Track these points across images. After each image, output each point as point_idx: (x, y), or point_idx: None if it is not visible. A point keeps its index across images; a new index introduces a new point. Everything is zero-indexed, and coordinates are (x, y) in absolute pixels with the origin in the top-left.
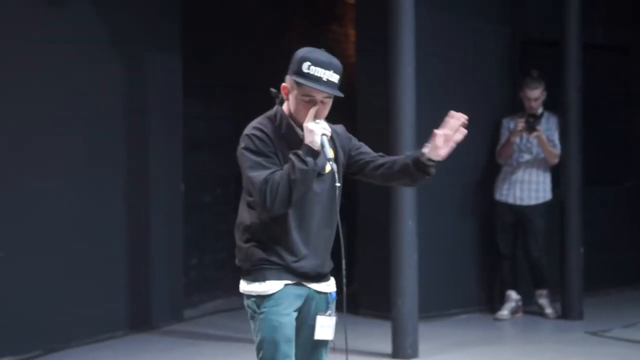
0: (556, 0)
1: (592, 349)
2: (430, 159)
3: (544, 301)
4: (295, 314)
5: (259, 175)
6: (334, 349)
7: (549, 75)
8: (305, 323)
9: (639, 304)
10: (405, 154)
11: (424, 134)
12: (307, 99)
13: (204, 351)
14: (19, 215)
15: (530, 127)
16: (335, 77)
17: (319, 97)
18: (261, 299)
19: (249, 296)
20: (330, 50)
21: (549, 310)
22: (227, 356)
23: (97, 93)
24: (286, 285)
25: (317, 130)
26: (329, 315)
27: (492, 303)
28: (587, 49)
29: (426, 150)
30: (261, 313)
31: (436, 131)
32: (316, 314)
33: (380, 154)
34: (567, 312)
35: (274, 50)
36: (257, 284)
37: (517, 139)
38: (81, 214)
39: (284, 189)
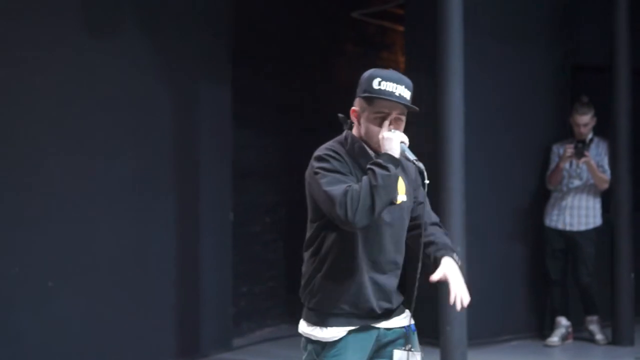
0: (606, 25)
1: None
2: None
3: (594, 327)
4: None
5: (337, 188)
6: None
7: (600, 101)
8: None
9: None
10: (440, 244)
11: (473, 162)
12: (380, 115)
13: None
14: (70, 243)
15: (579, 153)
16: (407, 93)
17: (393, 112)
18: (322, 345)
19: (308, 340)
20: None
21: (599, 337)
22: None
23: (149, 121)
24: (351, 331)
25: (395, 138)
26: (409, 349)
27: (542, 329)
28: (637, 74)
29: (441, 269)
30: None
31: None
32: (392, 349)
33: (436, 221)
34: (618, 338)
35: (325, 79)
36: (318, 328)
37: (566, 165)
38: (131, 242)
39: (365, 197)
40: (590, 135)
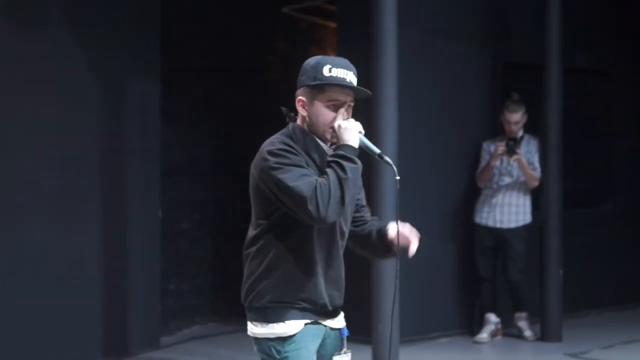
0: (538, 24)
1: None
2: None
3: (523, 324)
4: (314, 358)
5: (303, 183)
6: None
7: (531, 99)
8: None
9: (618, 325)
10: (374, 221)
11: (406, 159)
12: (333, 103)
13: None
14: None
15: (510, 151)
16: (355, 80)
17: (346, 99)
18: (281, 341)
19: (266, 339)
20: None
21: (528, 333)
22: None
23: (75, 116)
24: (306, 324)
25: (353, 128)
26: (345, 353)
27: (471, 326)
28: (568, 72)
29: (390, 232)
30: (282, 358)
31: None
32: (332, 354)
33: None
34: (546, 335)
35: (254, 74)
36: (274, 324)
37: (497, 162)
38: (57, 239)
39: (335, 191)
40: (520, 133)
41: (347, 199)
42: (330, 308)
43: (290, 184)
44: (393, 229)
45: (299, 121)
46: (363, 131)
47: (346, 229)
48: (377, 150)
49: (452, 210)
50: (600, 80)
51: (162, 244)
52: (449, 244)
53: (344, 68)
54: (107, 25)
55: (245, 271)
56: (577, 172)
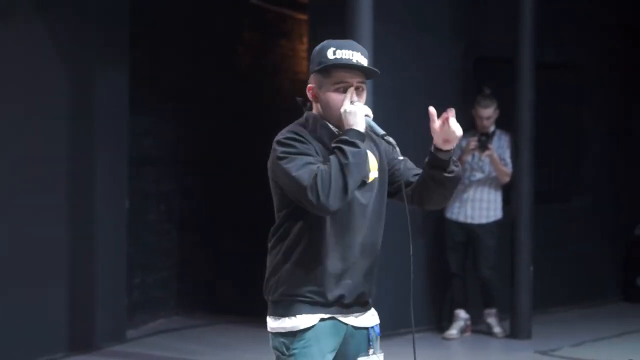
0: (509, 18)
1: None
2: (437, 148)
3: (492, 320)
4: (331, 356)
5: (305, 172)
6: None
7: (503, 93)
8: None
9: (587, 322)
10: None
11: None
12: (341, 86)
13: None
14: None
15: (482, 146)
16: (364, 60)
17: (353, 81)
18: (291, 337)
19: (277, 334)
20: (279, 65)
21: (497, 329)
22: None
23: (41, 108)
24: (321, 320)
25: (359, 111)
26: (372, 354)
27: (441, 322)
28: (539, 67)
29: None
30: (291, 355)
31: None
32: (357, 354)
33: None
34: (516, 331)
35: (223, 65)
36: (286, 319)
37: (469, 158)
38: (22, 231)
39: (337, 177)
40: (492, 128)
41: (352, 186)
42: (348, 301)
43: (294, 173)
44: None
45: (314, 109)
46: (371, 114)
47: (378, 214)
48: (381, 132)
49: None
50: (570, 75)
51: (127, 235)
52: (419, 240)
53: (350, 49)
54: (74, 16)
55: (267, 262)
56: (546, 168)
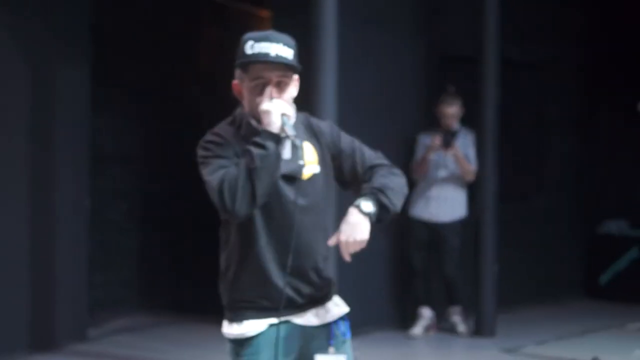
0: (474, 17)
1: None
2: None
3: (457, 318)
4: None
5: (217, 177)
6: None
7: (467, 92)
8: None
9: (551, 320)
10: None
11: None
12: (259, 82)
13: None
14: None
15: (447, 144)
16: (287, 52)
17: (271, 75)
18: (240, 344)
19: (229, 340)
20: None
21: (461, 328)
22: None
23: (2, 106)
24: (271, 326)
25: (274, 110)
26: (332, 353)
27: (405, 320)
28: (503, 66)
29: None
30: None
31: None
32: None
33: (376, 161)
34: (480, 329)
35: (185, 62)
36: (234, 325)
37: (433, 156)
38: None
39: (244, 182)
40: (457, 126)
41: (260, 191)
42: (300, 301)
43: (207, 177)
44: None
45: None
46: (291, 112)
47: (320, 213)
48: (292, 132)
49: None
50: (534, 74)
51: (89, 233)
52: (381, 237)
53: (267, 41)
54: (35, 11)
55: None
56: (509, 167)
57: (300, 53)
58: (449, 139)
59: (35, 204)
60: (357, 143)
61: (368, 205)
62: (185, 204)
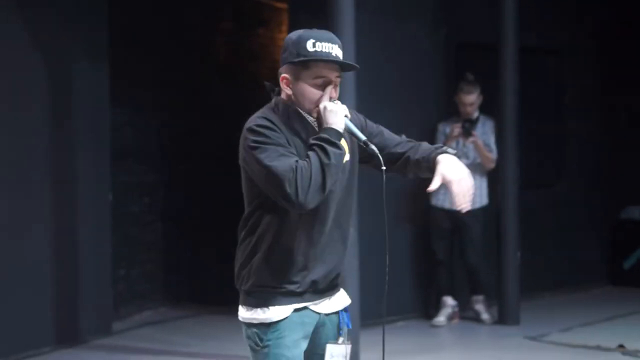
0: (492, 4)
1: (533, 354)
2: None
3: (480, 307)
4: (305, 345)
5: (282, 164)
6: None
7: (484, 79)
8: (315, 353)
9: (575, 307)
10: (420, 151)
11: None
12: (319, 81)
13: None
14: None
15: (467, 133)
16: (340, 53)
17: (332, 76)
18: (264, 328)
19: (250, 325)
20: (257, 54)
21: (485, 316)
22: None
23: (22, 102)
24: (294, 311)
25: (339, 111)
26: (341, 342)
27: (428, 309)
28: (520, 52)
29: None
30: (265, 347)
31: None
32: (326, 342)
33: (405, 138)
34: (504, 318)
35: (202, 56)
36: (258, 310)
37: (453, 144)
38: (5, 226)
39: (317, 175)
40: (476, 114)
41: (329, 186)
42: (321, 286)
43: (268, 163)
44: (442, 170)
45: (283, 96)
46: (349, 115)
47: (348, 200)
48: (363, 137)
49: (408, 193)
50: (552, 60)
51: (111, 228)
52: (405, 227)
53: (329, 42)
54: (53, 8)
55: (237, 253)
56: (530, 153)
57: None
58: (468, 128)
59: (58, 200)
60: (381, 127)
61: (451, 152)
62: (206, 196)
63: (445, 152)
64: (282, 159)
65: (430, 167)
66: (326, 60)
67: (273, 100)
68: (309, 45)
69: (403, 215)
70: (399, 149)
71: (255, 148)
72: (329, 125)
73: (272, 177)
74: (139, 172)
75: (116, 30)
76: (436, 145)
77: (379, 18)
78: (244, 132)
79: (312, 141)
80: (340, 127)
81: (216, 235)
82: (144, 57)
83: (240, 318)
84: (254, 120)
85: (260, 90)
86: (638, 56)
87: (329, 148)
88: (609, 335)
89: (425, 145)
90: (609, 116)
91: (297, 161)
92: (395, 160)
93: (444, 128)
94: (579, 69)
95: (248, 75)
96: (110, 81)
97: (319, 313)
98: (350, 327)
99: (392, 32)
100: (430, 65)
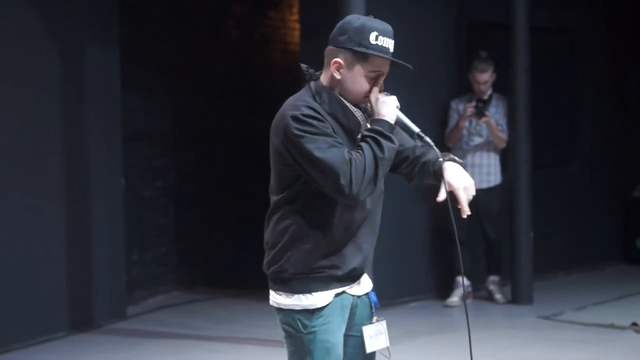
0: None
1: (547, 333)
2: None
3: (494, 287)
4: (344, 328)
5: (334, 155)
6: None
7: (496, 59)
8: (349, 335)
9: (588, 286)
10: (431, 152)
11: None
12: (374, 74)
13: (149, 349)
14: None
15: (479, 113)
16: (392, 48)
17: (386, 70)
18: (308, 314)
19: (290, 312)
20: (268, 37)
21: (498, 296)
22: (173, 354)
23: (33, 86)
24: (335, 296)
25: (392, 102)
26: (376, 321)
27: (442, 289)
28: (531, 31)
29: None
30: (309, 333)
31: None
32: (361, 324)
33: (418, 142)
34: (517, 297)
35: (212, 39)
36: (300, 296)
37: (466, 123)
38: (18, 210)
39: (370, 168)
40: (489, 92)
41: (380, 179)
42: (358, 272)
43: (319, 155)
44: (447, 177)
45: (323, 80)
46: (399, 106)
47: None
48: (416, 129)
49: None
50: (563, 39)
51: (124, 212)
52: (417, 207)
53: (390, 37)
54: None
55: (268, 238)
56: (541, 133)
57: (331, 27)
58: (481, 108)
59: (70, 185)
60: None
61: (456, 159)
62: (217, 179)
63: (453, 159)
64: (334, 150)
65: (436, 172)
66: (384, 57)
67: (312, 86)
68: (372, 38)
69: (417, 194)
70: (415, 152)
71: (302, 137)
72: (381, 117)
73: (325, 168)
74: (151, 156)
75: (127, 14)
76: (444, 153)
77: None
78: (286, 120)
79: (365, 133)
80: (392, 119)
81: (228, 218)
82: (155, 41)
83: (275, 304)
84: (296, 108)
85: (272, 72)
86: None
87: (383, 141)
88: (622, 314)
89: (433, 151)
90: (621, 95)
91: (349, 152)
92: (406, 160)
93: (457, 106)
94: (591, 48)
95: (260, 59)
96: (121, 65)
97: (353, 295)
98: (379, 306)
99: (403, 12)
100: (441, 45)
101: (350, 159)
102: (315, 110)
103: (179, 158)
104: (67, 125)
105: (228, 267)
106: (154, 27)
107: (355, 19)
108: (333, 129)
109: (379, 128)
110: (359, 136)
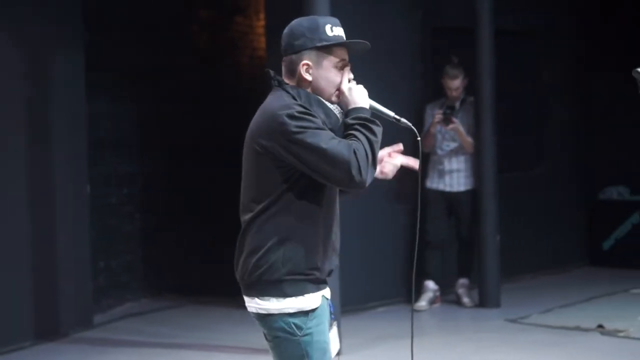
0: None
1: (514, 336)
2: None
3: (462, 291)
4: None
5: (338, 146)
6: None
7: (461, 62)
8: None
9: (555, 288)
10: None
11: None
12: (340, 64)
13: (117, 358)
14: None
15: (446, 120)
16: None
17: (347, 58)
18: (302, 316)
19: (283, 315)
20: (236, 42)
21: (466, 299)
22: None
23: None
24: (322, 297)
25: (363, 90)
26: (334, 325)
27: (410, 294)
28: (496, 34)
29: None
30: (306, 335)
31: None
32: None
33: None
34: (485, 301)
35: (179, 44)
36: (293, 298)
37: (439, 127)
38: None
39: (370, 153)
40: (462, 96)
41: (377, 162)
42: (331, 273)
43: (326, 147)
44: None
45: (295, 84)
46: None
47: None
48: (391, 113)
49: (398, 176)
50: (528, 42)
51: (90, 220)
52: (387, 212)
53: (340, 26)
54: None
55: (248, 245)
56: (509, 137)
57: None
58: (449, 114)
59: (35, 192)
60: None
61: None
62: (184, 185)
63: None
64: (334, 141)
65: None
66: (346, 44)
67: (289, 89)
68: (328, 30)
69: (389, 199)
70: None
71: (304, 132)
72: (359, 105)
73: (334, 159)
74: (116, 162)
75: (92, 20)
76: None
77: (354, 3)
78: (280, 119)
79: (351, 121)
80: (367, 105)
81: (194, 225)
82: (120, 46)
83: (262, 311)
84: (288, 107)
85: (239, 78)
86: (616, 36)
87: (372, 126)
88: (588, 316)
89: None
90: (588, 97)
91: (352, 142)
92: None
93: (432, 110)
94: (557, 50)
95: (227, 65)
96: (86, 72)
97: (327, 298)
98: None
99: (368, 16)
100: (406, 49)
101: (354, 147)
102: (305, 108)
103: (145, 165)
104: (31, 131)
105: (195, 274)
106: (120, 33)
107: (301, 21)
108: (324, 125)
109: (363, 115)
110: (343, 125)
